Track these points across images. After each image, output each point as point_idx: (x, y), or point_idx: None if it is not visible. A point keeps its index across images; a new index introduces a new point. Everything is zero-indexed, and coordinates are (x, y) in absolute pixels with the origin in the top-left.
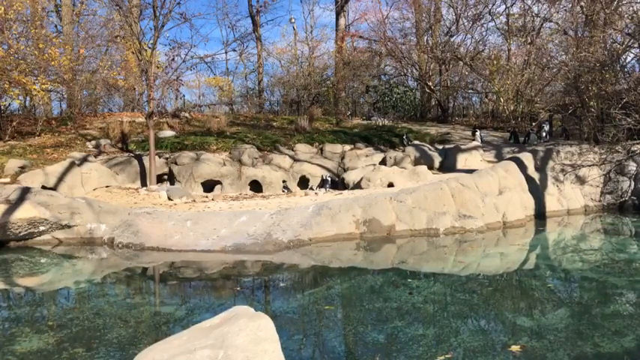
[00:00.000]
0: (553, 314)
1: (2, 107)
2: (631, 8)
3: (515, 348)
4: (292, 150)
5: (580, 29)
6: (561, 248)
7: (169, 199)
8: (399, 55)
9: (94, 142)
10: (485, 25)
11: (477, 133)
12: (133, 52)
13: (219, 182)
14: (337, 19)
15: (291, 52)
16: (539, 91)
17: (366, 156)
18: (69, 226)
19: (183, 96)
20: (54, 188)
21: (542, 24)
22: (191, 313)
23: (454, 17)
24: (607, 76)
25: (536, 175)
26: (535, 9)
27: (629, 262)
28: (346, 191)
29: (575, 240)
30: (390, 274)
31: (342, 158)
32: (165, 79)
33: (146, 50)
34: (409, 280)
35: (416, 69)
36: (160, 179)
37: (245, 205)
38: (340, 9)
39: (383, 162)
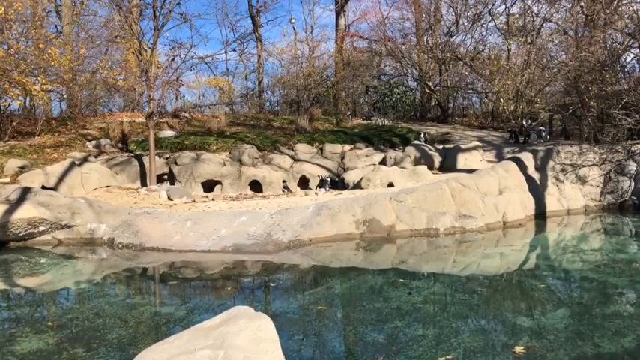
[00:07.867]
0: (553, 314)
1: (2, 107)
2: (631, 8)
3: (517, 349)
4: (292, 150)
5: (580, 29)
6: (561, 248)
7: (169, 199)
8: (399, 55)
9: (94, 143)
10: (485, 25)
11: (421, 135)
12: (133, 53)
13: (219, 182)
14: (337, 19)
15: (291, 52)
16: (539, 91)
17: (366, 156)
18: (69, 227)
19: (183, 96)
20: (54, 188)
21: (542, 24)
22: (191, 313)
23: (454, 17)
24: (607, 76)
25: (536, 175)
26: (535, 9)
27: (629, 262)
28: (346, 191)
29: (575, 240)
30: (390, 274)
31: (342, 158)
32: (165, 79)
33: (146, 50)
34: (409, 280)
35: (416, 69)
36: (160, 179)
37: (245, 205)
38: (340, 9)
39: (383, 162)
